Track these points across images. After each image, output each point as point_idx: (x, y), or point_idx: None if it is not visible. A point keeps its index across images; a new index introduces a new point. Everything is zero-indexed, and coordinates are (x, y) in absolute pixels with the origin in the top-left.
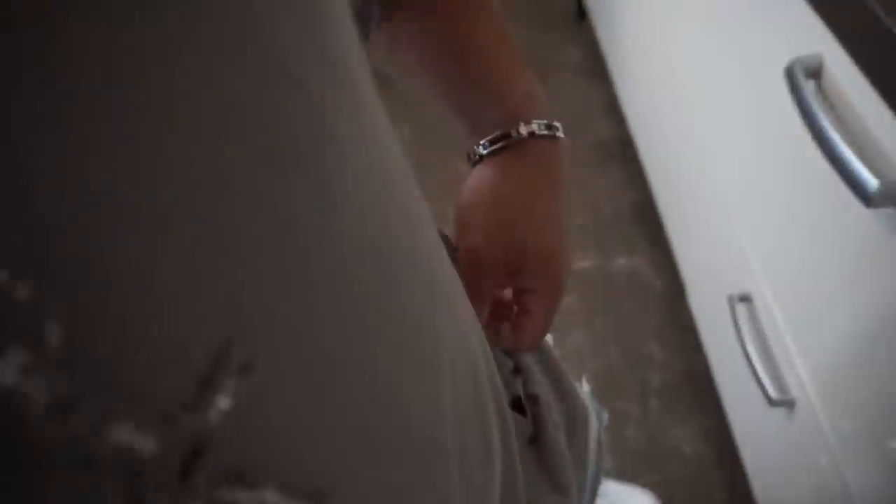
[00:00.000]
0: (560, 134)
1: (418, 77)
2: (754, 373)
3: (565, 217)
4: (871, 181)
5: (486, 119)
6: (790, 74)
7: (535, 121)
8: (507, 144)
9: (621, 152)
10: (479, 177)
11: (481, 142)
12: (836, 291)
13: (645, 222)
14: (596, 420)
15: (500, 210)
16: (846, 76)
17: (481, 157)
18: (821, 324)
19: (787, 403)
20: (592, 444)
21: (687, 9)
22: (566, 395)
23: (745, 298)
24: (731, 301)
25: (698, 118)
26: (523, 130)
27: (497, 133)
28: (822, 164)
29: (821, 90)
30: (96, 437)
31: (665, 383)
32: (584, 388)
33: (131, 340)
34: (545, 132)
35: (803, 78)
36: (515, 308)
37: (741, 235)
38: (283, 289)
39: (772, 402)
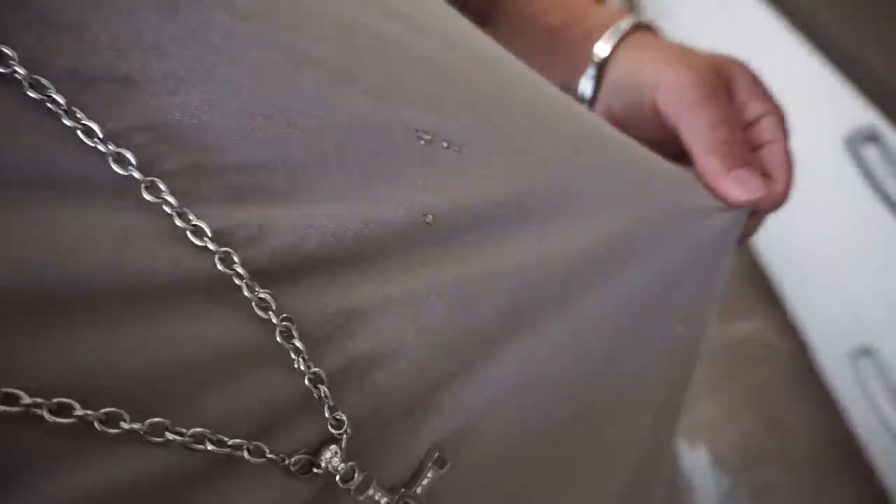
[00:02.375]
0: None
1: None
2: (888, 428)
3: None
4: None
5: (587, 40)
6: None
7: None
8: (623, 34)
9: None
10: (625, 59)
11: (595, 46)
12: None
13: (759, 284)
14: (713, 487)
15: (670, 49)
16: None
17: (606, 57)
18: None
19: None
20: None
21: None
22: None
23: (867, 352)
24: (853, 357)
25: None
26: (630, 20)
27: (610, 29)
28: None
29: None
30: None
31: (810, 450)
32: (700, 456)
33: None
34: (647, 23)
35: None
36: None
37: (850, 288)
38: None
39: None
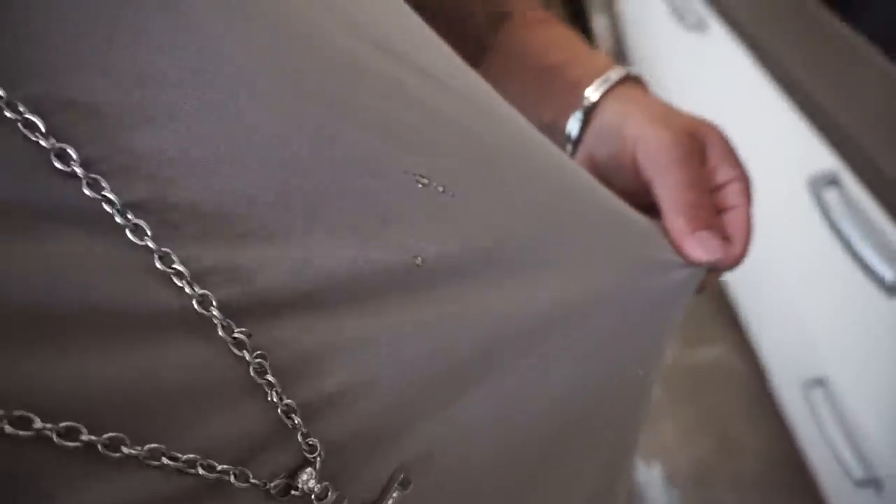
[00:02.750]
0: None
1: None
2: (835, 453)
3: None
4: (888, 273)
5: (578, 84)
6: (813, 186)
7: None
8: (613, 84)
9: None
10: (611, 111)
11: (586, 91)
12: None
13: (722, 311)
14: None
15: (654, 108)
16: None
17: (594, 103)
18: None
19: (873, 483)
20: None
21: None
22: None
23: (820, 382)
24: (807, 386)
25: None
26: (620, 71)
27: (601, 78)
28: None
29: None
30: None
31: (760, 472)
32: (653, 472)
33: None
34: (636, 74)
35: (824, 188)
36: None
37: (807, 321)
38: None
39: (858, 483)
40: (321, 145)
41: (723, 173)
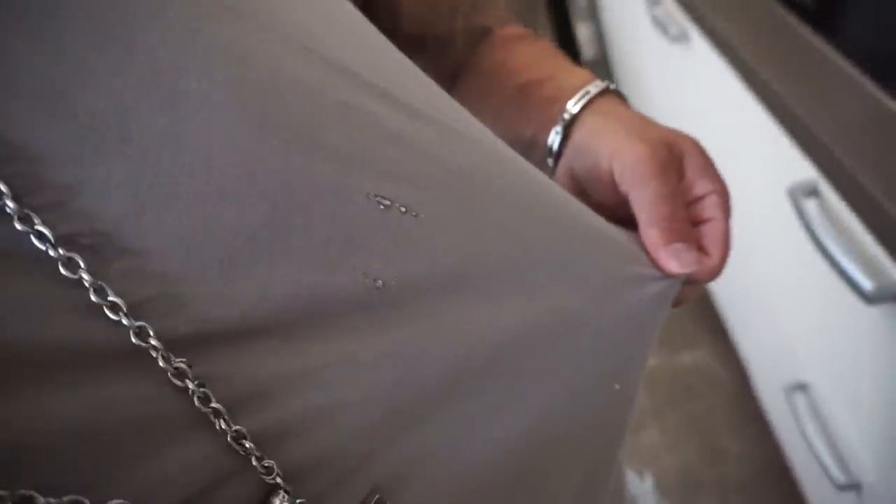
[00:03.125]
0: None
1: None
2: (817, 458)
3: None
4: (866, 283)
5: (557, 99)
6: (792, 196)
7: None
8: (592, 97)
9: None
10: (589, 124)
11: (567, 104)
12: (875, 378)
13: (705, 317)
14: None
15: (632, 121)
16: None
17: (574, 117)
18: (876, 408)
19: (854, 487)
20: None
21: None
22: None
23: (802, 387)
24: (788, 391)
25: None
26: (599, 85)
27: (580, 92)
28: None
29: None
30: None
31: (744, 477)
32: (646, 484)
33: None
34: (615, 88)
35: (804, 198)
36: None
37: (788, 328)
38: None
39: (839, 487)
40: (280, 173)
41: (700, 186)
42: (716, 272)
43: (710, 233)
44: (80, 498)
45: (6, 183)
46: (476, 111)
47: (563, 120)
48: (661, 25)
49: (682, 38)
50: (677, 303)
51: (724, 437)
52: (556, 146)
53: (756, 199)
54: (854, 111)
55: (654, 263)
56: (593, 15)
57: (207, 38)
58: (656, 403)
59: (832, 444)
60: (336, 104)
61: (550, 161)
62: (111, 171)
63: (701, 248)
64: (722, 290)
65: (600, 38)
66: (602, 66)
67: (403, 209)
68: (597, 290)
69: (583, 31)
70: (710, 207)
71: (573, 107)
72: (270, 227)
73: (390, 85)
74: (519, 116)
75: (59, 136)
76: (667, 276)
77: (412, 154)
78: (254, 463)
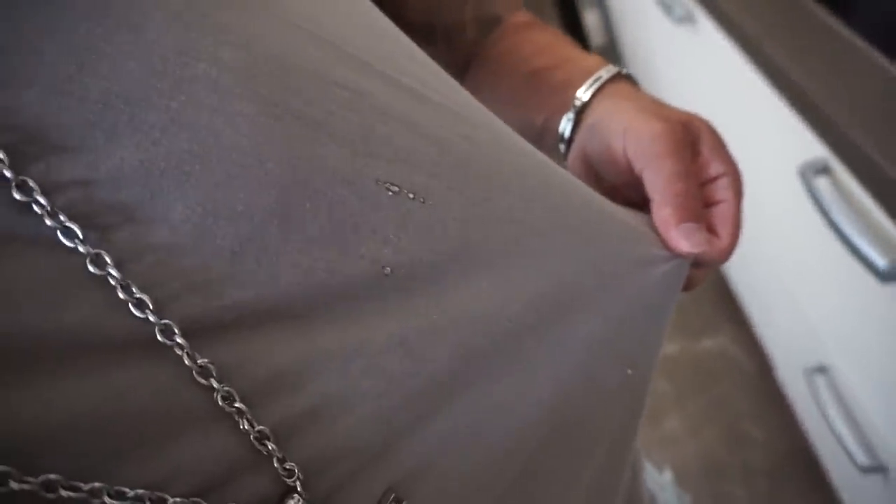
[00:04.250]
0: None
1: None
2: (840, 441)
3: None
4: (880, 261)
5: (569, 85)
6: (803, 174)
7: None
8: (604, 82)
9: None
10: (602, 107)
11: (577, 91)
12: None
13: (725, 301)
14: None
15: (645, 102)
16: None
17: (585, 103)
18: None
19: (880, 469)
20: None
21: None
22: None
23: (823, 370)
24: (809, 374)
25: None
26: (611, 69)
27: (592, 77)
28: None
29: (833, 185)
30: None
31: (769, 463)
32: (665, 477)
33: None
34: (626, 72)
35: (814, 176)
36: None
37: (806, 309)
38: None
39: (863, 470)
40: (291, 159)
41: (714, 167)
42: (725, 254)
43: (720, 214)
44: (101, 485)
45: (33, 179)
46: (487, 98)
47: (575, 106)
48: (665, 7)
49: (687, 18)
50: (689, 286)
51: (747, 422)
52: (567, 132)
53: (767, 179)
54: (864, 86)
55: (663, 243)
56: (600, 2)
57: (215, 24)
58: (678, 390)
59: (855, 426)
60: (344, 89)
61: (563, 147)
62: (123, 158)
63: (711, 230)
64: (739, 273)
65: (608, 24)
66: (611, 53)
67: (412, 195)
68: (604, 271)
69: (590, 19)
70: (721, 189)
71: (584, 93)
72: (280, 212)
73: (397, 70)
74: (530, 103)
75: (72, 123)
76: (676, 256)
77: (420, 139)
78: (275, 465)
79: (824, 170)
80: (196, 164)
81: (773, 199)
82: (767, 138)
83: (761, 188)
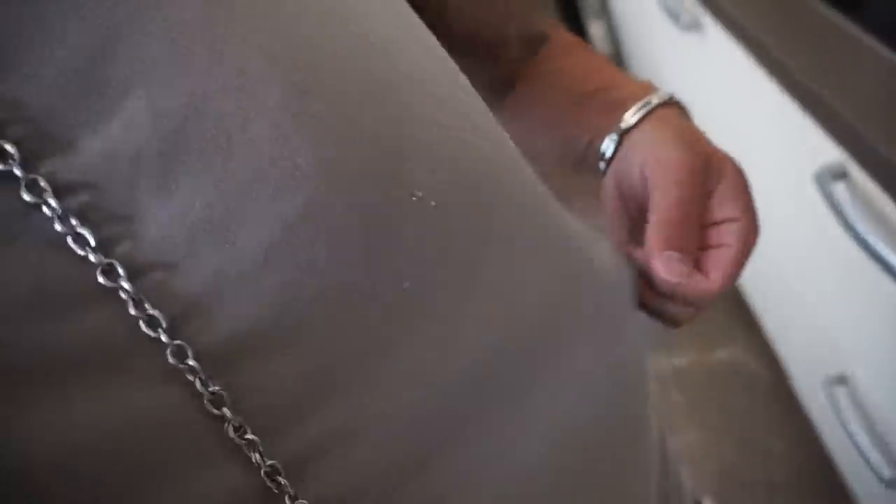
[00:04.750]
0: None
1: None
2: (862, 453)
3: None
4: None
5: (619, 106)
6: (820, 181)
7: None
8: (651, 108)
9: None
10: (640, 130)
11: (626, 114)
12: None
13: (738, 311)
14: None
15: (681, 131)
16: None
17: (627, 130)
18: None
19: None
20: None
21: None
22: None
23: (842, 380)
24: (828, 384)
25: None
26: (662, 95)
27: (641, 101)
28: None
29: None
30: None
31: (789, 476)
32: None
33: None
34: (677, 100)
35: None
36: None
37: (824, 318)
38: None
39: (888, 483)
40: (315, 159)
41: (726, 209)
42: (710, 295)
43: (717, 256)
44: None
45: (47, 179)
46: (529, 117)
47: (620, 128)
48: (672, 15)
49: (694, 26)
50: (675, 323)
51: (765, 435)
52: (609, 152)
53: (782, 186)
54: (878, 86)
55: (647, 266)
56: (605, 12)
57: (244, 8)
58: (691, 401)
59: (878, 439)
60: (374, 85)
61: (602, 165)
62: (141, 148)
63: (701, 269)
64: (753, 283)
65: (613, 34)
66: (616, 64)
67: (434, 203)
68: (598, 297)
69: (595, 29)
70: (728, 233)
71: (632, 116)
72: (305, 217)
73: (422, 72)
74: (577, 123)
75: (88, 107)
76: (661, 282)
77: (441, 144)
78: (287, 502)
79: (842, 175)
80: (216, 152)
81: (787, 206)
82: (780, 144)
83: (776, 197)
